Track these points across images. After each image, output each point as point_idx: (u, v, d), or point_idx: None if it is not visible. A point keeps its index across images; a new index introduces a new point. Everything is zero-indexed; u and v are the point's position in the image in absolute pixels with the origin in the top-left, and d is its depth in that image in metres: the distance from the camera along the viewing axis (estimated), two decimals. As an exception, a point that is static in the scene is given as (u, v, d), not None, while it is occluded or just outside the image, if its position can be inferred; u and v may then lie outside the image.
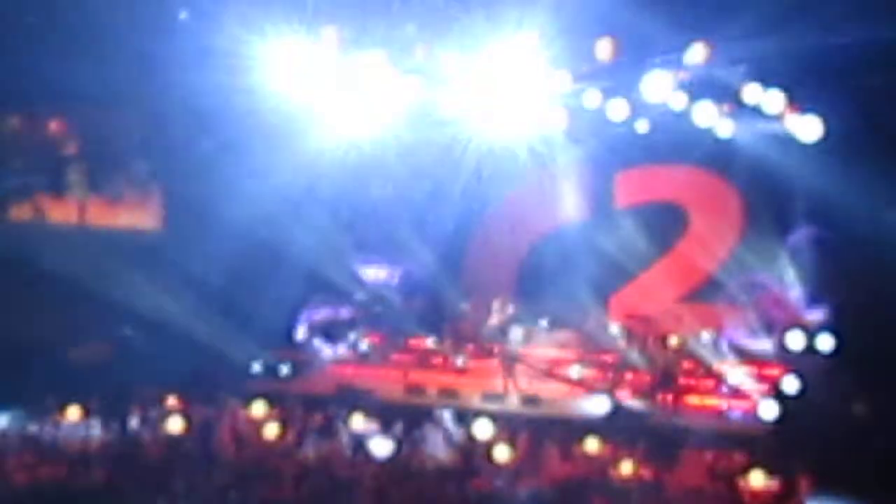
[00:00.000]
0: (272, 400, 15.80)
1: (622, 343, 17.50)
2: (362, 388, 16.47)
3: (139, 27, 16.34)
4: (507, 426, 14.69)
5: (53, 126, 18.28)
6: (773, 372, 16.64)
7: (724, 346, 17.33)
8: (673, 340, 17.08)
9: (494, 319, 18.01)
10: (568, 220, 18.65)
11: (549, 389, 16.85)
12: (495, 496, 13.11)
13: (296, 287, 17.84)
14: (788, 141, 16.34)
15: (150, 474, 13.43)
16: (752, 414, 15.91)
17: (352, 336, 18.56)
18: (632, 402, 16.26)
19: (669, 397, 16.40)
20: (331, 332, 18.55)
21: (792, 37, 14.86)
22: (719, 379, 16.78)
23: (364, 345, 18.50)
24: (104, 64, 15.67)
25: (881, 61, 14.82)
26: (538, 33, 15.86)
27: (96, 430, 14.60)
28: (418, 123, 17.47)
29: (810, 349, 16.63)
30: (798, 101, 15.95)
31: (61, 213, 18.59)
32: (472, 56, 16.70)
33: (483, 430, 14.42)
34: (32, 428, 14.54)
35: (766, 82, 15.97)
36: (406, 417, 15.04)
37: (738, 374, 16.68)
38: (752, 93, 16.01)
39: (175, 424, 14.65)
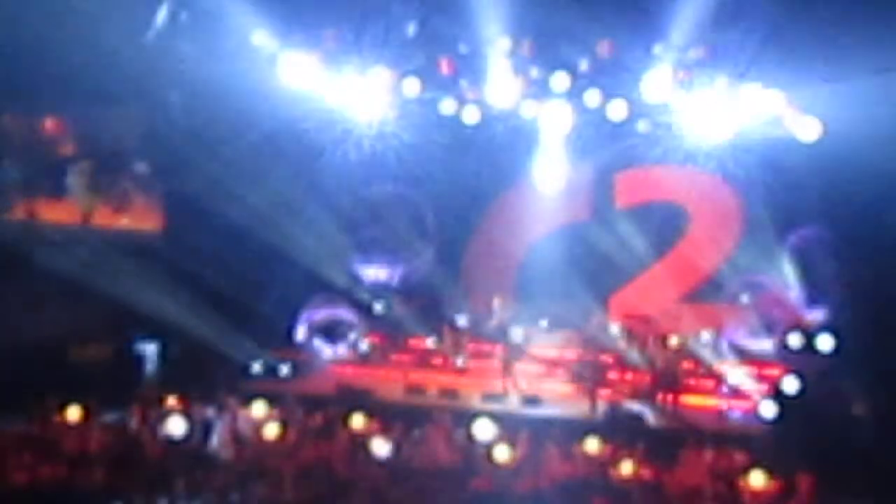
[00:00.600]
0: (272, 400, 15.78)
1: (622, 343, 17.52)
2: (362, 389, 16.50)
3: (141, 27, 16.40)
4: (508, 426, 14.67)
5: (54, 126, 18.27)
6: (773, 372, 16.66)
7: (724, 346, 17.34)
8: (673, 340, 17.10)
9: (495, 320, 18.01)
10: (568, 220, 18.67)
11: (549, 390, 16.87)
12: (495, 496, 13.09)
13: (296, 288, 17.86)
14: (789, 141, 16.35)
15: (151, 474, 13.40)
16: (752, 414, 15.93)
17: (352, 336, 18.58)
18: (630, 402, 16.32)
19: (669, 397, 16.42)
20: (331, 332, 18.57)
21: (791, 37, 14.89)
22: (719, 379, 16.81)
23: (364, 345, 18.52)
24: (105, 62, 15.68)
25: (880, 60, 14.82)
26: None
27: (96, 429, 14.58)
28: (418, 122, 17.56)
29: (810, 349, 16.65)
30: (797, 102, 15.96)
31: (61, 213, 18.59)
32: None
33: (483, 430, 14.40)
34: (33, 428, 14.52)
35: (766, 82, 15.98)
36: (406, 417, 15.04)
37: (738, 374, 16.70)
38: (752, 93, 16.02)
39: (175, 424, 14.64)
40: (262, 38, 16.50)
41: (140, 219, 18.65)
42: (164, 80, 16.89)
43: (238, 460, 13.92)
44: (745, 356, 17.17)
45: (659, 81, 16.18)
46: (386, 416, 15.09)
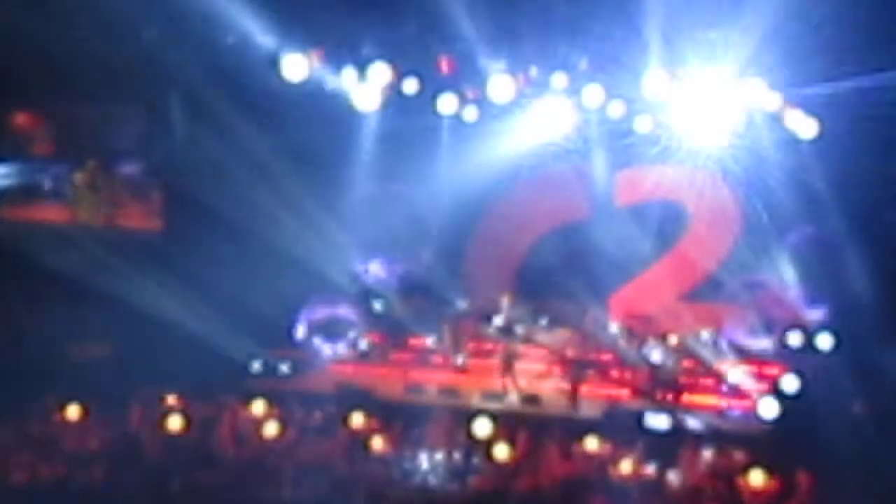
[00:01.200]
0: (272, 399, 15.80)
1: (622, 342, 17.51)
2: (362, 387, 16.49)
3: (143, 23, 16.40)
4: (507, 425, 14.69)
5: (53, 124, 18.27)
6: (773, 371, 16.66)
7: (724, 345, 17.34)
8: (673, 339, 17.09)
9: (500, 319, 18.02)
10: (568, 218, 18.66)
11: (548, 388, 16.87)
12: (495, 495, 13.09)
13: (296, 286, 17.85)
14: (788, 140, 16.35)
15: (150, 473, 13.40)
16: (752, 413, 15.92)
17: (351, 335, 18.57)
18: (630, 401, 16.33)
19: (669, 396, 16.42)
20: (330, 330, 18.56)
21: (791, 37, 14.88)
22: (719, 378, 16.81)
23: (364, 343, 18.52)
24: (105, 60, 15.68)
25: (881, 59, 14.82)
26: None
27: (96, 428, 14.58)
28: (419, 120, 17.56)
29: (810, 348, 16.63)
30: (797, 101, 15.96)
31: (61, 213, 18.59)
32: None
33: (483, 428, 14.42)
34: (32, 426, 14.52)
35: (766, 81, 15.97)
36: (406, 416, 15.04)
37: (737, 373, 16.70)
38: (752, 92, 16.01)
39: (175, 423, 14.64)
40: (262, 35, 16.50)
41: (139, 218, 18.65)
42: (163, 78, 16.86)
43: (238, 459, 13.91)
44: (744, 355, 17.17)
45: (659, 80, 16.16)
46: (386, 414, 15.11)
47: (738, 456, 13.85)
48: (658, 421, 15.34)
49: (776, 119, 16.31)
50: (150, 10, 16.20)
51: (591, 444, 14.25)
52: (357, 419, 14.89)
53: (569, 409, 16.25)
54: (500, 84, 16.52)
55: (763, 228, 17.34)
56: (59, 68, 15.81)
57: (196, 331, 16.29)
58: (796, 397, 15.73)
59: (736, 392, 16.51)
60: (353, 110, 17.29)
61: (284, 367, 17.57)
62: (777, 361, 16.85)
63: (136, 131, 18.32)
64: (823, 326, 16.73)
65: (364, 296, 18.77)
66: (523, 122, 17.39)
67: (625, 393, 16.80)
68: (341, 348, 18.54)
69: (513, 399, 16.61)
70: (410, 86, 16.86)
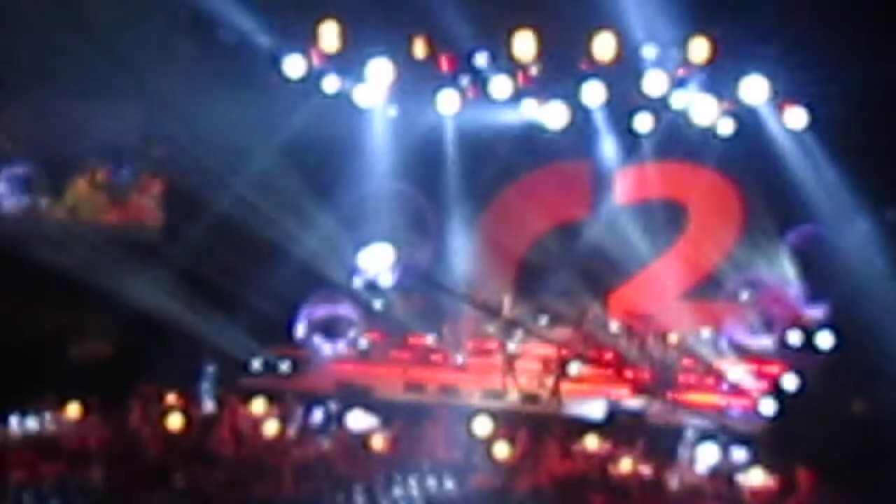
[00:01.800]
0: (272, 397, 15.80)
1: (622, 340, 17.51)
2: (362, 386, 16.49)
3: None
4: (507, 423, 14.69)
5: (52, 121, 18.25)
6: (773, 369, 16.66)
7: (724, 344, 17.34)
8: (672, 338, 17.09)
9: (502, 317, 18.03)
10: (568, 217, 18.65)
11: (548, 387, 16.85)
12: (495, 493, 13.10)
13: (296, 285, 17.84)
14: (788, 138, 16.35)
15: (150, 471, 13.41)
16: (752, 411, 15.91)
17: (351, 333, 18.56)
18: (630, 400, 16.33)
19: (669, 395, 16.41)
20: (330, 329, 18.55)
21: (790, 35, 14.87)
22: (719, 376, 16.81)
23: (364, 342, 18.52)
24: (105, 57, 15.66)
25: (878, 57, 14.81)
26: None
27: (96, 427, 14.58)
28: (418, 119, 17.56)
29: (810, 346, 16.63)
30: (796, 98, 15.95)
31: (61, 209, 18.57)
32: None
33: (483, 427, 14.42)
34: (32, 425, 14.52)
35: (767, 78, 15.96)
36: (406, 414, 15.04)
37: (737, 372, 16.70)
38: (752, 90, 16.00)
39: (175, 421, 14.65)
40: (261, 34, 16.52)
41: (139, 215, 18.63)
42: (164, 76, 16.85)
43: (237, 457, 13.92)
44: (744, 353, 17.17)
45: (659, 77, 16.16)
46: (385, 413, 15.10)
47: (738, 454, 13.85)
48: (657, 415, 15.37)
49: (776, 116, 16.30)
50: (150, 6, 16.22)
51: (592, 442, 14.26)
52: (357, 418, 14.89)
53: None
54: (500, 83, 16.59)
55: (763, 227, 17.33)
56: (58, 65, 15.79)
57: (196, 328, 16.28)
58: (796, 396, 15.73)
59: (736, 391, 16.51)
60: (353, 107, 17.30)
61: (284, 366, 17.57)
62: (777, 360, 16.85)
63: (137, 129, 18.30)
64: (824, 325, 16.72)
65: (364, 294, 18.75)
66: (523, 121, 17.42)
67: (625, 392, 16.79)
68: (341, 347, 18.53)
69: (513, 398, 16.60)
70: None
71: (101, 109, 18.06)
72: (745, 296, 17.83)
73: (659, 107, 16.75)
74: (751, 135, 16.60)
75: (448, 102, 17.04)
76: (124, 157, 18.61)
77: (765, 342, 17.45)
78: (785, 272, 17.43)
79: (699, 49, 15.92)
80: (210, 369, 16.15)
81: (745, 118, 16.49)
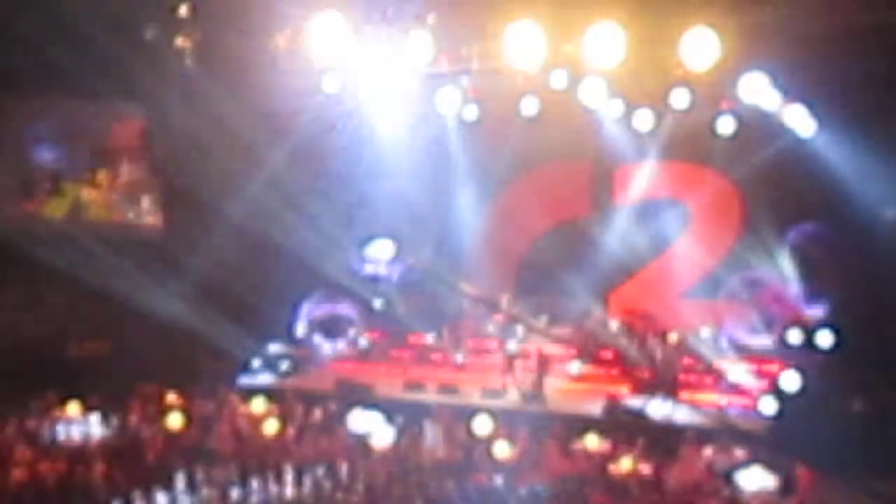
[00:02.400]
0: (272, 396, 15.82)
1: (622, 339, 17.51)
2: (362, 385, 16.50)
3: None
4: (507, 422, 14.70)
5: (54, 121, 18.27)
6: (773, 368, 16.64)
7: (724, 343, 17.34)
8: (672, 337, 17.09)
9: (501, 316, 18.01)
10: (568, 216, 18.66)
11: (548, 386, 16.86)
12: (495, 492, 13.11)
13: (296, 283, 17.86)
14: (788, 137, 16.34)
15: (150, 470, 13.43)
16: (752, 410, 15.91)
17: (351, 332, 18.58)
18: (630, 399, 16.33)
19: (669, 394, 16.41)
20: (331, 328, 18.57)
21: (790, 33, 14.85)
22: (719, 375, 16.79)
23: (364, 341, 18.53)
24: (107, 57, 15.67)
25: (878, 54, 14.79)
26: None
27: (96, 426, 14.60)
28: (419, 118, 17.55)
29: (810, 345, 16.62)
30: (797, 97, 15.94)
31: (61, 209, 18.59)
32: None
33: (483, 426, 14.43)
34: (32, 424, 14.54)
35: (767, 78, 15.94)
36: (405, 413, 15.05)
37: (737, 371, 16.69)
38: (752, 89, 15.98)
39: (175, 420, 14.67)
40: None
41: (140, 214, 18.63)
42: (164, 75, 16.85)
43: (238, 456, 13.93)
44: (744, 352, 17.17)
45: (658, 76, 16.14)
46: (385, 412, 15.11)
47: (738, 453, 13.86)
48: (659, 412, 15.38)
49: (776, 115, 16.29)
50: (151, 7, 16.24)
51: (591, 441, 14.27)
52: (357, 416, 14.91)
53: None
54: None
55: (763, 225, 17.33)
56: (59, 65, 15.79)
57: (196, 327, 16.29)
58: (796, 395, 15.72)
59: (736, 389, 16.49)
60: (354, 108, 17.31)
61: (284, 365, 17.58)
62: (777, 359, 16.85)
63: (137, 128, 18.30)
64: (823, 324, 16.72)
65: (364, 293, 18.76)
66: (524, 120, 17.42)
67: (625, 390, 16.79)
68: (341, 346, 18.55)
69: (513, 397, 16.61)
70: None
71: (101, 109, 18.07)
72: (745, 295, 17.83)
73: (659, 106, 16.74)
74: (752, 134, 16.59)
75: (448, 102, 17.04)
76: (124, 157, 18.60)
77: (765, 341, 17.46)
78: (785, 271, 17.43)
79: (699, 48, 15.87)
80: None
81: (746, 117, 16.47)
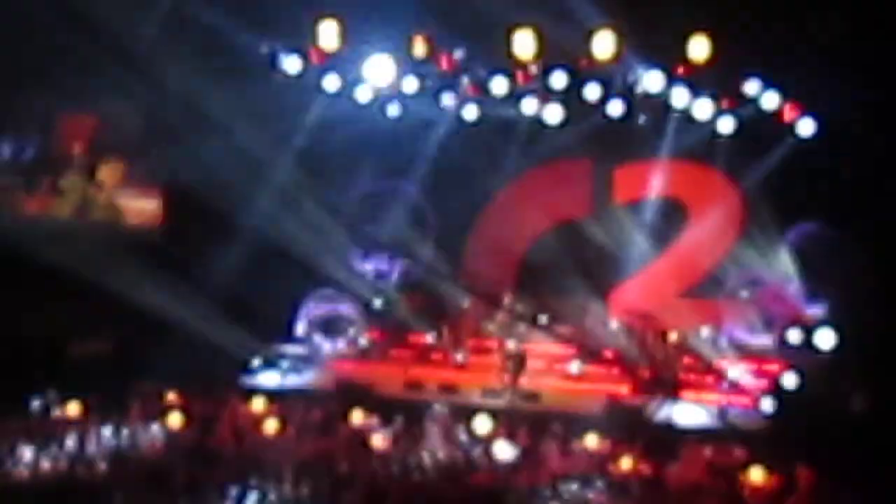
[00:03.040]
0: (272, 396, 15.81)
1: (622, 339, 17.51)
2: (362, 384, 16.49)
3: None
4: (507, 422, 14.70)
5: (54, 120, 18.27)
6: (773, 368, 16.66)
7: (724, 342, 17.36)
8: (672, 336, 17.10)
9: (502, 316, 18.00)
10: (568, 216, 18.66)
11: (549, 385, 16.87)
12: (495, 492, 13.10)
13: (296, 283, 17.86)
14: (789, 136, 16.35)
15: (150, 470, 13.42)
16: (752, 409, 15.92)
17: (352, 331, 18.57)
18: (630, 398, 16.33)
19: (669, 393, 16.41)
20: (331, 327, 18.57)
21: (790, 32, 14.88)
22: (719, 375, 16.81)
23: (364, 340, 18.52)
24: (106, 55, 15.68)
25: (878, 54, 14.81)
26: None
27: (96, 425, 14.59)
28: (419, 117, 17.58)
29: (810, 345, 16.63)
30: (797, 97, 15.96)
31: (61, 208, 18.58)
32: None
33: (483, 425, 14.43)
34: (32, 424, 14.53)
35: (766, 78, 15.97)
36: (405, 413, 15.05)
37: (737, 370, 16.70)
38: (752, 89, 16.01)
39: (175, 420, 14.66)
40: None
41: (140, 214, 18.63)
42: (164, 73, 16.85)
43: (238, 455, 13.92)
44: (744, 352, 17.19)
45: (659, 76, 16.17)
46: (385, 411, 15.11)
47: (738, 452, 13.86)
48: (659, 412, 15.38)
49: (776, 115, 16.31)
50: (147, 8, 16.23)
51: (591, 441, 14.26)
52: (357, 416, 14.90)
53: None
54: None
55: (763, 225, 17.34)
56: (60, 65, 15.79)
57: (196, 326, 16.29)
58: (796, 394, 15.73)
59: (736, 389, 16.51)
60: (353, 106, 17.32)
61: (284, 365, 17.58)
62: (777, 358, 16.86)
63: (138, 129, 18.30)
64: (823, 323, 16.73)
65: (364, 293, 18.76)
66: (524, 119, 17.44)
67: (625, 390, 16.80)
68: (341, 345, 18.54)
69: (513, 396, 16.59)
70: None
71: (101, 109, 18.07)
72: (745, 294, 17.85)
73: (659, 105, 16.76)
74: (752, 134, 16.60)
75: (448, 101, 17.05)
76: (124, 157, 18.61)
77: (765, 340, 17.48)
78: (785, 271, 17.43)
79: (699, 48, 15.89)
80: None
81: (747, 117, 16.49)
